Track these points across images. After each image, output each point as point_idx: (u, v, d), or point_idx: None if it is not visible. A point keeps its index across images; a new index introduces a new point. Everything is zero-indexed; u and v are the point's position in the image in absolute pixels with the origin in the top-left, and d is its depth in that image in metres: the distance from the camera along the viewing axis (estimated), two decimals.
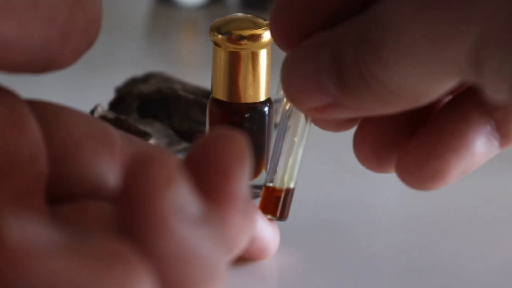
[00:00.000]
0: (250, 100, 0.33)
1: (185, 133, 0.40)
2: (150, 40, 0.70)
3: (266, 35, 0.33)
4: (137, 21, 0.76)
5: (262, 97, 0.34)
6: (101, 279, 0.17)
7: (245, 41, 0.32)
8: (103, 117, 0.39)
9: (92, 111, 0.39)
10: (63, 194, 0.22)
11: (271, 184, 0.30)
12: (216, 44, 0.33)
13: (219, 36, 0.33)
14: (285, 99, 0.29)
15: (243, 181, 0.20)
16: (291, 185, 0.29)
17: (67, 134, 0.22)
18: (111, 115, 0.39)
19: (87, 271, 0.17)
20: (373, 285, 0.28)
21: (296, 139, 0.29)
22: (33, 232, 0.17)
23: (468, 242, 0.32)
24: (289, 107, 0.29)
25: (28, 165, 0.20)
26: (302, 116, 0.29)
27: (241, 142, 0.20)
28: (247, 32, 0.32)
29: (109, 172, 0.22)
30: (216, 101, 0.34)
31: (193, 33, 0.74)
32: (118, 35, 0.66)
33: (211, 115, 0.34)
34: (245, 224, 0.20)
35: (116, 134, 0.23)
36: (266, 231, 0.28)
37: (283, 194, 0.29)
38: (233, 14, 0.34)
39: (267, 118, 0.34)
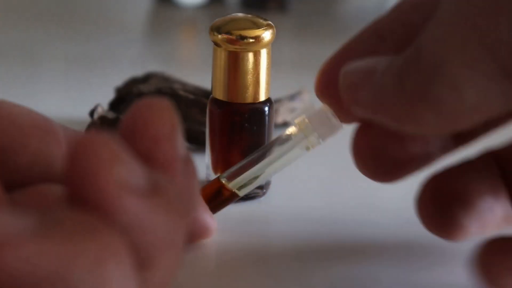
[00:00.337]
0: (250, 100, 0.33)
1: (185, 133, 0.40)
2: (150, 40, 0.70)
3: (266, 35, 0.33)
4: (137, 21, 0.76)
5: (262, 97, 0.34)
6: (81, 255, 0.17)
7: (245, 41, 0.32)
8: (103, 117, 0.39)
9: (92, 111, 0.39)
10: (13, 183, 0.22)
11: (224, 180, 0.30)
12: (216, 44, 0.33)
13: (219, 36, 0.33)
14: (290, 130, 0.30)
15: (176, 143, 0.20)
16: (241, 194, 0.31)
17: (11, 124, 0.22)
18: (111, 115, 0.39)
19: (64, 250, 0.17)
20: (372, 284, 0.28)
21: (275, 164, 0.30)
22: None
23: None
24: (288, 135, 0.30)
25: None
26: (293, 150, 0.30)
27: (167, 107, 0.20)
28: (247, 32, 0.32)
29: (56, 157, 0.23)
30: (216, 101, 0.34)
31: (193, 33, 0.74)
32: (118, 35, 0.66)
33: (211, 115, 0.34)
34: (189, 183, 0.21)
35: (56, 124, 0.24)
36: (205, 211, 0.29)
37: (228, 194, 0.30)
38: (233, 14, 0.34)
39: (267, 118, 0.34)
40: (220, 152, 0.34)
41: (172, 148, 0.20)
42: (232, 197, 0.31)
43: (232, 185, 0.30)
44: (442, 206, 0.27)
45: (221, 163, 0.34)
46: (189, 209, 0.21)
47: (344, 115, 0.28)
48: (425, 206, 0.27)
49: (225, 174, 0.31)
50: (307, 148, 0.30)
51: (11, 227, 0.16)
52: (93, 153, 0.18)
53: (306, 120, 0.29)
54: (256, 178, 0.30)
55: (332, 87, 0.27)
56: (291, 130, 0.30)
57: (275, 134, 0.35)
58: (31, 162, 0.22)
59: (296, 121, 0.30)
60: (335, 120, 0.28)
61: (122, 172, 0.18)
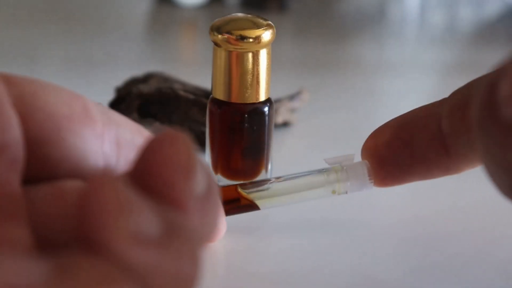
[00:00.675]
0: (250, 100, 0.33)
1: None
2: (150, 40, 0.70)
3: (266, 35, 0.33)
4: (137, 21, 0.76)
5: (262, 97, 0.34)
6: None
7: (245, 41, 0.32)
8: None
9: None
10: (43, 174, 0.21)
11: (242, 190, 0.31)
12: (216, 44, 0.33)
13: (219, 36, 0.33)
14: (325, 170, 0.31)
15: (194, 183, 0.19)
16: (262, 207, 0.31)
17: (47, 116, 0.21)
18: None
19: None
20: (373, 284, 0.28)
21: (297, 192, 0.31)
22: (17, 269, 0.16)
23: (468, 243, 0.32)
24: (322, 173, 0.31)
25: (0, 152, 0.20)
26: (318, 189, 0.31)
27: (186, 142, 0.19)
28: (247, 32, 0.32)
29: (91, 151, 0.22)
30: (216, 101, 0.34)
31: (193, 33, 0.74)
32: (118, 35, 0.66)
33: (211, 115, 0.34)
34: (208, 219, 0.20)
35: (95, 110, 0.23)
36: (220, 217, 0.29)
37: (246, 203, 0.31)
38: (233, 14, 0.34)
39: (267, 118, 0.34)
40: (220, 152, 0.34)
41: (189, 189, 0.19)
42: (252, 207, 0.31)
43: (258, 198, 0.31)
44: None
45: (221, 163, 0.34)
46: (202, 247, 0.20)
47: (381, 178, 0.30)
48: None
49: (249, 186, 0.31)
50: (333, 192, 0.31)
51: (24, 277, 0.16)
52: (100, 203, 0.17)
53: (344, 168, 0.31)
54: (286, 198, 0.31)
55: (380, 148, 0.30)
56: (326, 170, 0.31)
57: (275, 134, 0.35)
58: (63, 157, 0.22)
59: (333, 166, 0.31)
60: (369, 179, 0.30)
61: (132, 223, 0.17)
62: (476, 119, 0.23)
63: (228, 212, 0.30)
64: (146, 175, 0.19)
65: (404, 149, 0.29)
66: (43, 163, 0.21)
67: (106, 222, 0.17)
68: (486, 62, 0.64)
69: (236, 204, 0.31)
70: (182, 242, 0.19)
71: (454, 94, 0.28)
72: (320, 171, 0.31)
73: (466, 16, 0.83)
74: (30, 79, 0.22)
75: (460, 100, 0.28)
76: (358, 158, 0.31)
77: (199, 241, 0.20)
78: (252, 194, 0.31)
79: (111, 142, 0.23)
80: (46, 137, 0.21)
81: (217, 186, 0.21)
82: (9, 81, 0.21)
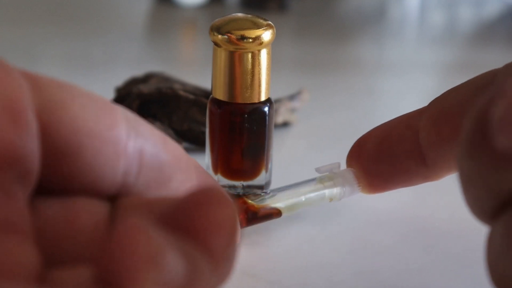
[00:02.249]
0: (250, 100, 0.33)
1: (185, 133, 0.40)
2: (150, 40, 0.70)
3: (266, 35, 0.33)
4: (137, 21, 0.76)
5: (262, 97, 0.34)
6: None
7: (245, 41, 0.32)
8: None
9: None
10: (57, 186, 0.21)
11: (256, 201, 0.31)
12: (216, 44, 0.33)
13: (219, 36, 0.33)
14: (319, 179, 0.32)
15: (232, 250, 0.19)
16: (283, 210, 0.31)
17: (71, 131, 0.21)
18: None
19: None
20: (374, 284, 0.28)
21: (300, 199, 0.31)
22: None
23: (467, 243, 0.32)
24: (318, 180, 0.32)
25: (10, 164, 0.19)
26: (317, 193, 0.31)
27: (231, 210, 0.19)
28: (247, 32, 0.32)
29: (110, 168, 0.21)
30: (216, 101, 0.34)
31: (193, 33, 0.74)
32: (118, 35, 0.66)
33: (211, 115, 0.34)
34: (227, 269, 0.20)
35: (123, 123, 0.22)
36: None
37: (267, 213, 0.31)
38: (233, 14, 0.34)
39: (267, 118, 0.34)
40: (220, 152, 0.34)
41: (227, 253, 0.19)
42: (274, 215, 0.31)
43: (279, 205, 0.31)
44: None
45: (221, 163, 0.34)
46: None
47: (364, 186, 0.32)
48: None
49: (258, 194, 0.31)
50: (330, 199, 0.32)
51: None
52: (131, 252, 0.17)
53: (337, 175, 0.32)
54: (294, 202, 0.31)
55: (363, 159, 0.31)
56: (319, 179, 0.32)
57: (275, 134, 0.35)
58: (81, 172, 0.21)
59: (326, 174, 0.32)
60: (357, 184, 0.32)
61: (161, 275, 0.17)
62: (464, 144, 0.21)
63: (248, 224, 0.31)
64: (187, 229, 0.19)
65: (385, 161, 0.31)
66: (59, 176, 0.21)
67: (136, 273, 0.17)
68: (486, 62, 0.64)
69: (254, 215, 0.31)
70: (202, 285, 0.18)
71: (432, 105, 0.30)
72: (314, 180, 0.32)
73: (466, 16, 0.83)
74: (60, 84, 0.21)
75: (437, 113, 0.29)
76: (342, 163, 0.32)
77: (216, 285, 0.20)
78: (262, 203, 0.31)
79: (133, 159, 0.22)
80: (67, 152, 0.21)
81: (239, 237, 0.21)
82: (38, 84, 0.20)
